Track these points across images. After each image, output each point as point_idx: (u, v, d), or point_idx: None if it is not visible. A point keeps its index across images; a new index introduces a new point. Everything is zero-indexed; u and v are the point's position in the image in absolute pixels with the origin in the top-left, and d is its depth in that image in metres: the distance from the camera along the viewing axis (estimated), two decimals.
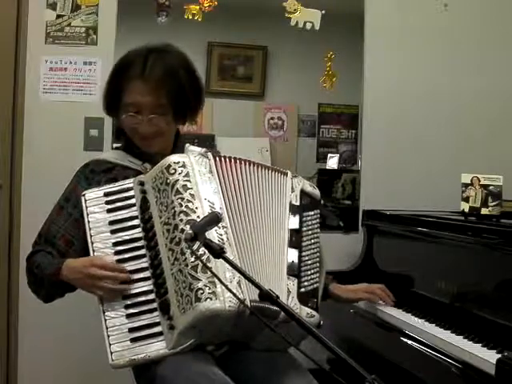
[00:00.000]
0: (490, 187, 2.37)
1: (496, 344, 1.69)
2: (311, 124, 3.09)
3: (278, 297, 1.34)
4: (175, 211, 1.62)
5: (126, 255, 1.69)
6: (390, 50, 3.08)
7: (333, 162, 3.08)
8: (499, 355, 1.57)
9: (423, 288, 2.19)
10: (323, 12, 3.01)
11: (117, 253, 1.70)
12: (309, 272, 1.77)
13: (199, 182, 1.66)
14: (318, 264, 1.81)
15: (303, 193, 1.84)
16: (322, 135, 3.10)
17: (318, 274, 1.80)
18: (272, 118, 3.06)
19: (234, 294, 1.46)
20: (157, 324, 1.62)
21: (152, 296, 1.64)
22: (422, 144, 3.10)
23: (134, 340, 1.61)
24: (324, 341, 1.25)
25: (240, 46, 3.03)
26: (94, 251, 1.70)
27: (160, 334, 1.61)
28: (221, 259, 1.42)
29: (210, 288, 1.53)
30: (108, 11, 2.88)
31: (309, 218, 1.82)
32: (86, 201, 1.74)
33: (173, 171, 1.66)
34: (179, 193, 1.63)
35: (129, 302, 1.64)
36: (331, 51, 3.04)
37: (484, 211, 2.36)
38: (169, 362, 1.58)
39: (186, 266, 1.56)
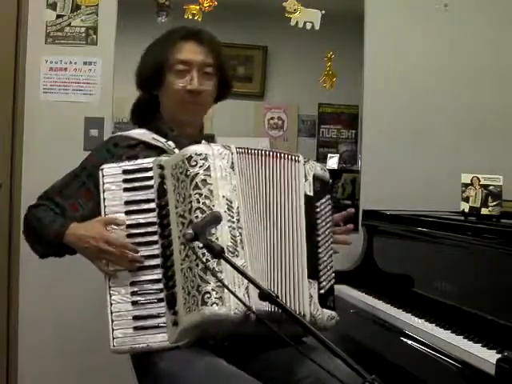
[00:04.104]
0: (490, 187, 2.37)
1: (496, 344, 1.69)
2: (311, 124, 3.09)
3: (277, 296, 1.34)
4: (192, 206, 1.59)
5: (139, 239, 1.66)
6: (389, 50, 3.08)
7: (333, 162, 3.08)
8: (499, 355, 1.57)
9: (423, 288, 2.19)
10: (323, 12, 3.00)
11: (130, 235, 1.68)
12: (326, 269, 1.74)
13: (219, 177, 1.62)
14: (332, 257, 1.77)
15: (315, 178, 1.78)
16: (322, 135, 3.10)
17: (333, 269, 1.76)
18: (272, 118, 3.06)
19: (240, 300, 1.44)
20: (161, 315, 1.61)
21: (159, 286, 1.63)
22: (421, 144, 3.10)
23: (136, 328, 1.61)
24: (324, 341, 1.25)
25: (240, 46, 3.02)
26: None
27: (163, 325, 1.60)
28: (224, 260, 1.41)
29: (217, 292, 1.52)
30: (108, 11, 2.88)
31: (322, 206, 1.77)
32: (103, 176, 1.71)
33: (194, 163, 1.62)
34: (198, 187, 1.60)
35: (136, 289, 1.63)
36: (331, 51, 3.04)
37: (484, 211, 2.36)
38: (176, 358, 1.57)
39: (197, 265, 1.54)
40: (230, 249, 1.57)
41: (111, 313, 1.62)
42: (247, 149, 1.71)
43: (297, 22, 3.01)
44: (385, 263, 2.52)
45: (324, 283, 1.71)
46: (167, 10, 2.93)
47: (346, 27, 3.07)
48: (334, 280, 1.76)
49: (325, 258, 1.74)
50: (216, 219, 1.50)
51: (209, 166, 1.62)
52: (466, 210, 2.39)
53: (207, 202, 1.59)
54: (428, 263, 2.21)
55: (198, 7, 2.95)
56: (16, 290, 2.82)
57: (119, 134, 1.91)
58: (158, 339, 1.60)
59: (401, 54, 3.09)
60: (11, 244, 2.84)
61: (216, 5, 2.95)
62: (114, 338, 1.60)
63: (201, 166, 1.62)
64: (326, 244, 1.76)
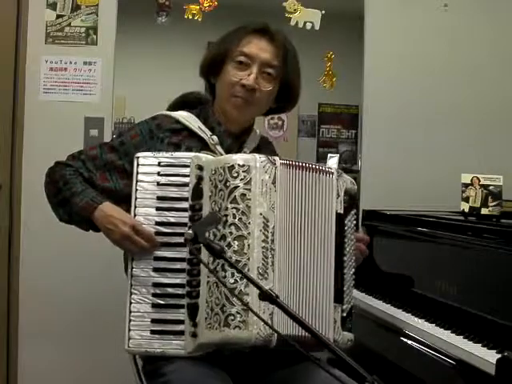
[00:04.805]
0: (490, 187, 2.36)
1: (496, 344, 1.69)
2: (311, 124, 3.09)
3: (277, 296, 1.33)
4: (227, 220, 1.54)
5: (167, 239, 1.61)
6: (389, 50, 3.09)
7: (333, 162, 3.08)
8: (499, 355, 1.57)
9: (423, 288, 2.18)
10: (323, 12, 3.01)
11: (158, 234, 1.62)
12: (348, 291, 1.69)
13: (258, 193, 1.55)
14: (354, 276, 1.71)
15: (345, 193, 1.69)
16: (322, 135, 3.10)
17: (353, 288, 1.71)
18: (272, 118, 3.05)
19: (272, 327, 1.41)
20: (180, 322, 1.57)
21: (181, 291, 1.58)
22: (421, 144, 3.10)
23: (154, 332, 1.57)
24: (324, 341, 1.24)
25: None
26: None
27: (181, 333, 1.56)
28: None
29: (241, 316, 1.48)
30: (108, 11, 2.89)
31: (349, 223, 1.71)
32: (138, 165, 1.64)
33: (235, 174, 1.55)
34: (236, 202, 1.54)
35: (158, 291, 1.59)
36: (331, 51, 3.04)
37: (484, 211, 2.35)
38: (188, 374, 1.53)
39: (224, 284, 1.50)
40: (260, 270, 1.52)
41: (130, 312, 1.58)
42: (290, 161, 1.63)
43: (297, 22, 3.01)
44: (385, 263, 2.52)
45: (346, 305, 1.67)
46: (167, 10, 2.93)
47: (345, 27, 3.07)
48: (353, 300, 1.71)
49: (348, 279, 1.69)
50: (215, 219, 1.49)
51: (250, 180, 1.55)
52: (466, 210, 2.38)
53: (243, 218, 1.53)
54: (428, 263, 2.21)
55: (197, 7, 2.95)
56: (16, 290, 2.82)
57: (163, 113, 1.81)
58: (174, 346, 1.56)
59: (400, 54, 3.09)
60: (11, 244, 2.84)
61: (216, 5, 2.95)
62: (129, 339, 1.56)
63: (242, 179, 1.55)
64: (350, 263, 1.70)
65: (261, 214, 1.54)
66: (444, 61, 3.10)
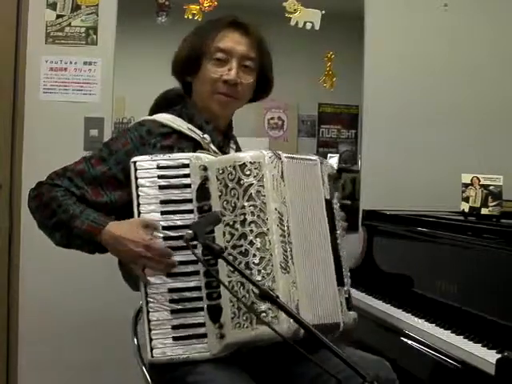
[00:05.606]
0: (490, 187, 2.36)
1: (496, 344, 1.69)
2: (311, 124, 3.09)
3: (277, 296, 1.33)
4: (245, 219, 1.53)
5: (177, 243, 1.55)
6: (389, 50, 3.09)
7: (333, 162, 3.08)
8: (499, 355, 1.57)
9: (423, 288, 2.19)
10: (323, 12, 3.01)
11: (166, 238, 1.57)
12: (346, 272, 1.72)
13: (270, 188, 1.55)
14: (346, 257, 1.74)
15: (328, 179, 1.74)
16: (322, 135, 3.10)
17: (348, 267, 1.74)
18: (272, 118, 3.05)
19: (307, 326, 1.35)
20: (201, 325, 1.54)
21: (198, 294, 1.55)
22: (421, 144, 3.10)
23: (176, 338, 1.53)
24: (324, 340, 1.24)
25: None
26: None
27: (203, 335, 1.54)
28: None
29: (272, 312, 1.47)
30: (108, 11, 2.89)
31: (335, 206, 1.74)
32: (136, 170, 1.58)
33: (248, 172, 1.54)
34: (252, 199, 1.53)
35: (174, 297, 1.55)
36: (331, 51, 3.04)
37: (484, 211, 2.35)
38: (214, 379, 1.51)
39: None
40: (283, 265, 1.52)
41: (149, 321, 1.53)
42: (292, 154, 1.66)
43: (297, 22, 3.01)
44: (385, 263, 2.52)
45: (346, 287, 1.70)
46: (167, 10, 2.93)
47: (345, 27, 3.07)
48: (350, 280, 1.74)
49: (344, 261, 1.72)
50: (215, 219, 1.49)
51: (262, 176, 1.55)
52: (466, 210, 2.38)
53: (261, 215, 1.53)
54: (428, 263, 2.21)
55: (198, 7, 2.95)
56: (16, 290, 2.81)
57: (148, 118, 1.77)
58: (198, 350, 1.54)
59: (400, 54, 3.09)
60: (11, 245, 2.84)
61: (216, 5, 2.95)
62: (152, 349, 1.53)
63: (255, 176, 1.54)
64: (342, 244, 1.74)
65: (275, 209, 1.55)
66: (444, 61, 3.10)
